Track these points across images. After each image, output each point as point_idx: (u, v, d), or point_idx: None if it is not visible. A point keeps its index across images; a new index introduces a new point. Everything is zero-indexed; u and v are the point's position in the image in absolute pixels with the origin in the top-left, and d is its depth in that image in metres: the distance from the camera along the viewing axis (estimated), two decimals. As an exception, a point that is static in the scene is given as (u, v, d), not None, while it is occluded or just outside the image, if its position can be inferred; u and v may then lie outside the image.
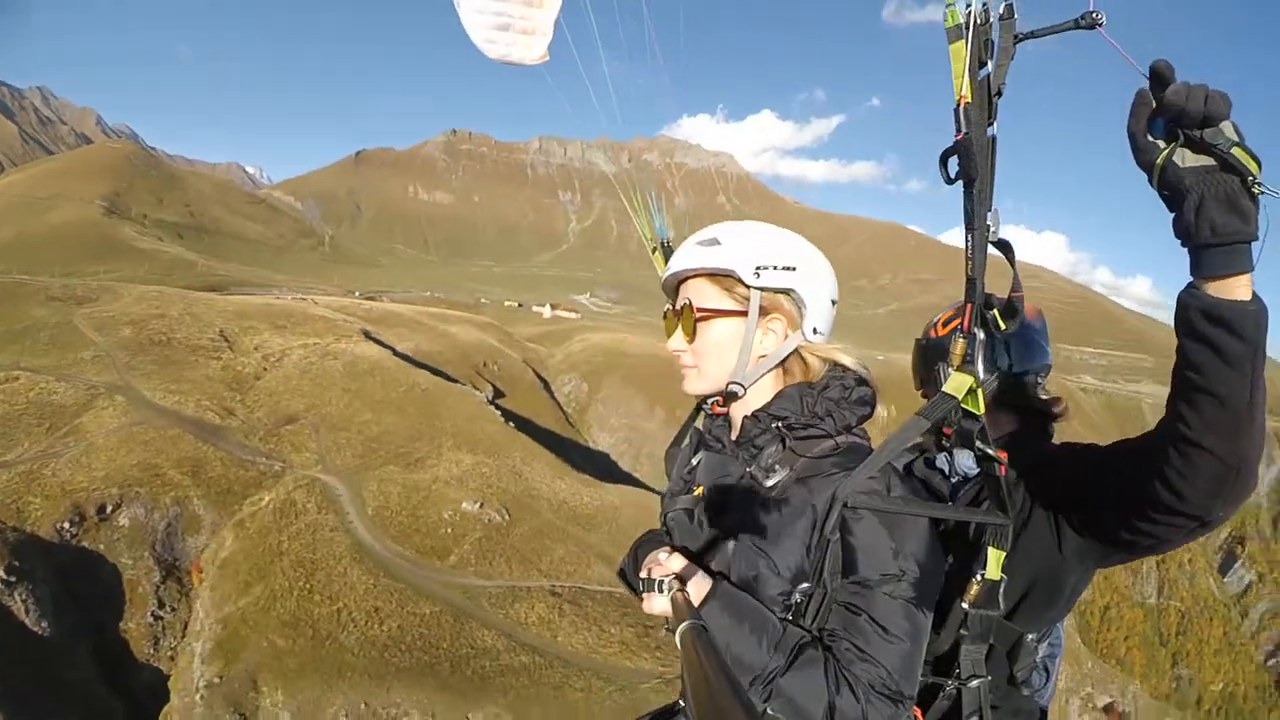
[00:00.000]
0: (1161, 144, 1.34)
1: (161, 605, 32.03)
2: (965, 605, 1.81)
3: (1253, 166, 1.25)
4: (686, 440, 2.14)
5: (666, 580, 1.62)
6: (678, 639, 1.27)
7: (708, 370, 1.83)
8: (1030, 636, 2.12)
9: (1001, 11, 1.48)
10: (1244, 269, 1.30)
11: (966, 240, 1.57)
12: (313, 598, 28.81)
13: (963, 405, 1.65)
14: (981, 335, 1.69)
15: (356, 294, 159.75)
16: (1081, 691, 42.02)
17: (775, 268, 1.74)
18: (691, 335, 1.82)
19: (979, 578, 1.77)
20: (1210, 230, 1.29)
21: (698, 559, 1.80)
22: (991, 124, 1.51)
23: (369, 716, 24.46)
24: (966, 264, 1.60)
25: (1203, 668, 74.47)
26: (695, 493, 1.95)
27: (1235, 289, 1.32)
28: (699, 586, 1.65)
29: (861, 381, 1.80)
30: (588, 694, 25.35)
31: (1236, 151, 1.25)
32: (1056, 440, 2.39)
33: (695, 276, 1.85)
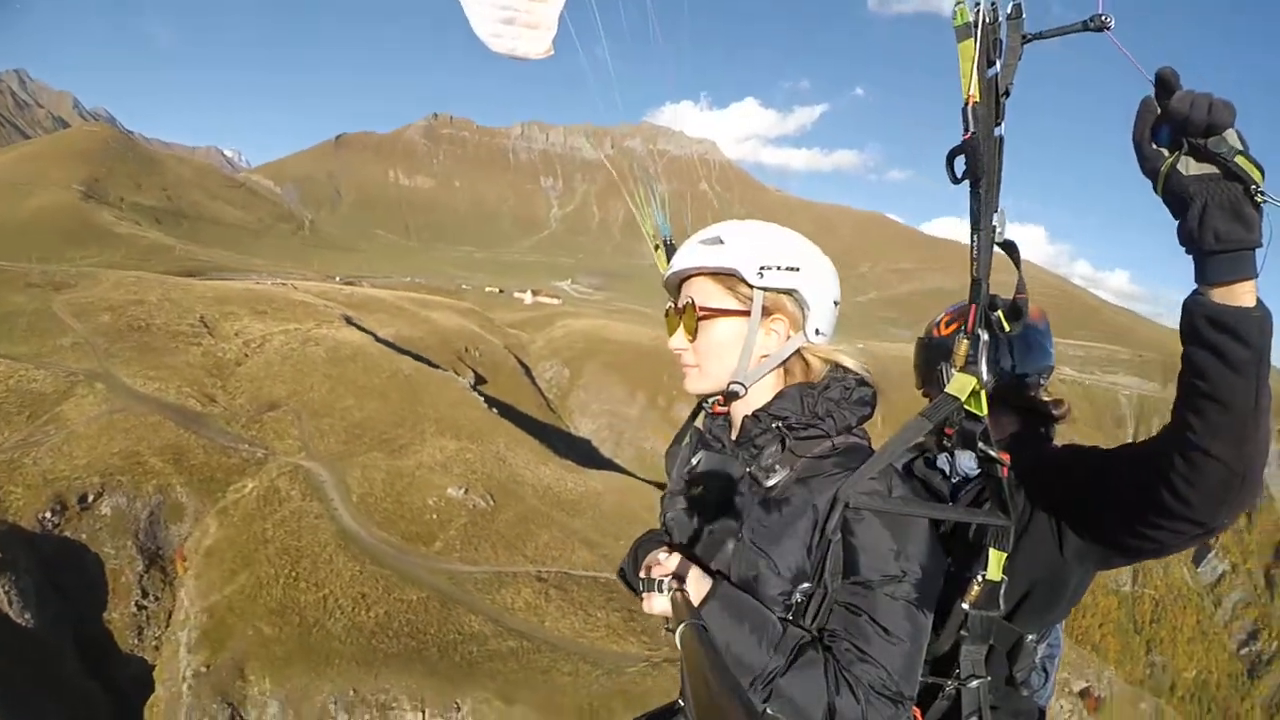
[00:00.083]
0: (1166, 152, 1.35)
1: (145, 595, 31.78)
2: (966, 606, 1.82)
3: (1256, 175, 1.26)
4: (686, 440, 2.11)
5: (666, 580, 1.62)
6: (677, 639, 1.26)
7: (709, 369, 1.83)
8: (1030, 637, 2.12)
9: (1010, 11, 1.48)
10: (1248, 275, 1.32)
11: (972, 241, 1.58)
12: (299, 585, 28.72)
13: (966, 406, 1.65)
14: (986, 336, 1.68)
15: (337, 279, 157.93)
16: (1058, 676, 42.41)
17: (779, 268, 1.74)
18: (693, 334, 1.81)
19: (980, 579, 1.77)
20: (1214, 237, 1.30)
21: (698, 559, 1.79)
22: (999, 124, 1.51)
23: (358, 703, 24.47)
24: (971, 265, 1.61)
25: (1176, 655, 75.97)
26: (695, 492, 1.94)
27: (1240, 295, 1.33)
28: (699, 586, 1.65)
29: (862, 382, 1.80)
30: (575, 678, 25.45)
31: (1240, 160, 1.26)
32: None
33: (698, 275, 1.84)
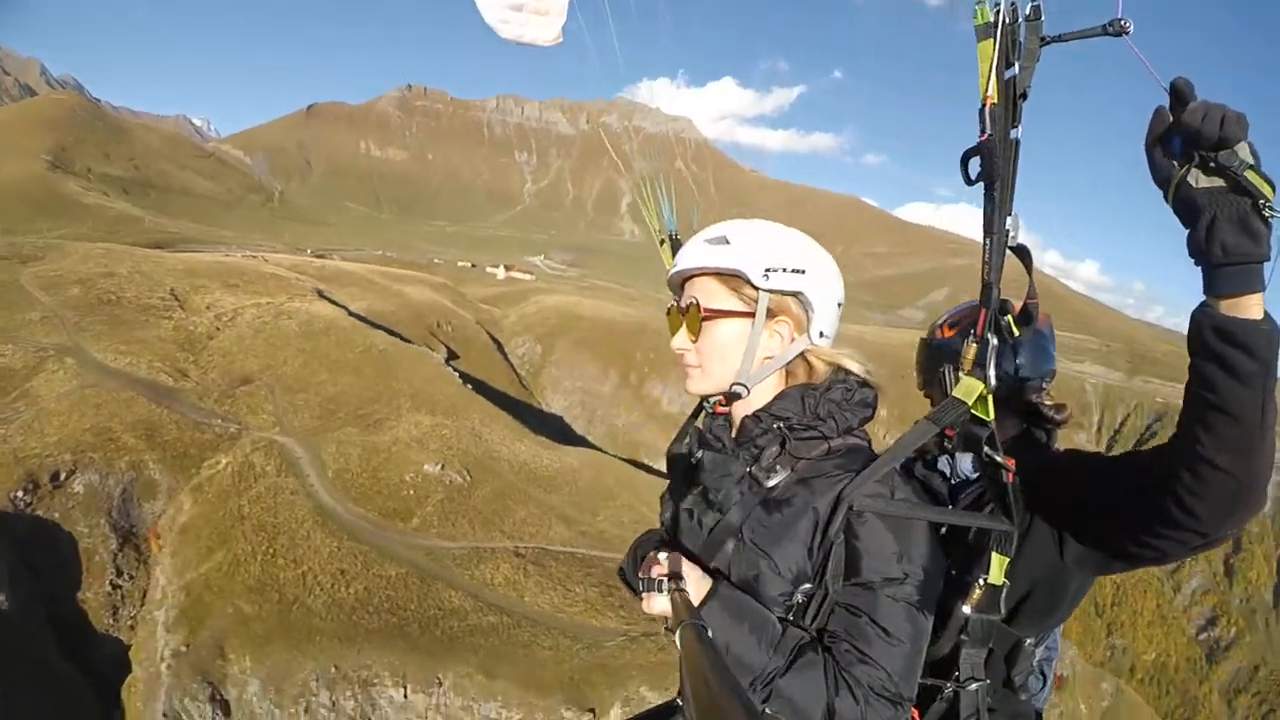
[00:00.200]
0: (1177, 163, 1.34)
1: (119, 574, 31.55)
2: (967, 610, 1.83)
3: (1266, 190, 1.25)
4: (687, 439, 2.08)
5: (666, 580, 1.61)
6: (677, 639, 1.26)
7: (712, 370, 1.81)
8: (1029, 641, 2.14)
9: (1028, 13, 1.46)
10: (1256, 289, 1.31)
11: (984, 244, 1.56)
12: (277, 562, 28.67)
13: (972, 411, 1.65)
14: (995, 341, 1.67)
15: (308, 252, 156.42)
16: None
17: (785, 270, 1.72)
18: (696, 335, 1.79)
19: (982, 582, 1.78)
20: (1222, 250, 1.30)
21: (698, 559, 1.78)
22: (1015, 127, 1.49)
23: (340, 680, 24.55)
24: (983, 268, 1.59)
25: (1136, 638, 77.93)
26: (695, 492, 1.92)
27: (1247, 308, 1.33)
28: (699, 586, 1.64)
29: (864, 384, 1.80)
30: (556, 652, 25.71)
31: (1249, 175, 1.26)
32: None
33: (702, 275, 1.82)
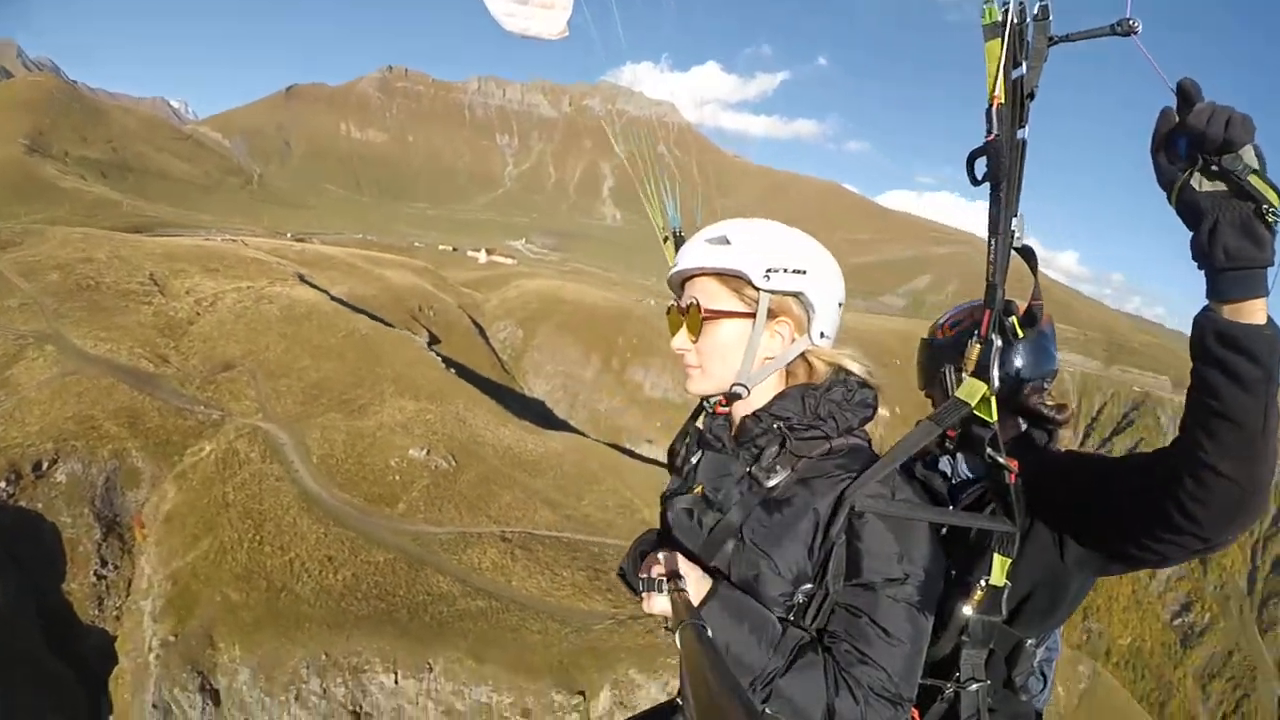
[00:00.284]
0: (1181, 165, 1.34)
1: (104, 564, 31.33)
2: (968, 610, 1.83)
3: (1270, 195, 1.24)
4: (687, 439, 2.08)
5: (666, 580, 1.61)
6: (677, 639, 1.26)
7: (712, 371, 1.80)
8: (1029, 641, 2.13)
9: (1036, 12, 1.45)
10: (1259, 294, 1.31)
11: (990, 245, 1.56)
12: (264, 549, 28.58)
13: (975, 412, 1.64)
14: (999, 342, 1.66)
15: (288, 235, 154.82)
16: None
17: (786, 271, 1.71)
18: (697, 335, 1.79)
19: (983, 583, 1.79)
20: (1224, 254, 1.29)
21: (698, 559, 1.77)
22: (1022, 127, 1.48)
23: (330, 666, 24.57)
24: (988, 269, 1.58)
25: (1112, 623, 79.11)
26: (695, 492, 1.91)
27: (1250, 313, 1.32)
28: (699, 586, 1.63)
29: (864, 384, 1.79)
30: (545, 635, 25.84)
31: (1253, 179, 1.25)
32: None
33: (703, 275, 1.81)
